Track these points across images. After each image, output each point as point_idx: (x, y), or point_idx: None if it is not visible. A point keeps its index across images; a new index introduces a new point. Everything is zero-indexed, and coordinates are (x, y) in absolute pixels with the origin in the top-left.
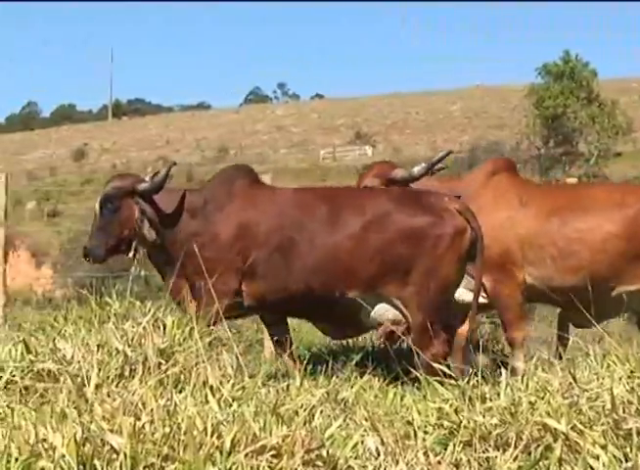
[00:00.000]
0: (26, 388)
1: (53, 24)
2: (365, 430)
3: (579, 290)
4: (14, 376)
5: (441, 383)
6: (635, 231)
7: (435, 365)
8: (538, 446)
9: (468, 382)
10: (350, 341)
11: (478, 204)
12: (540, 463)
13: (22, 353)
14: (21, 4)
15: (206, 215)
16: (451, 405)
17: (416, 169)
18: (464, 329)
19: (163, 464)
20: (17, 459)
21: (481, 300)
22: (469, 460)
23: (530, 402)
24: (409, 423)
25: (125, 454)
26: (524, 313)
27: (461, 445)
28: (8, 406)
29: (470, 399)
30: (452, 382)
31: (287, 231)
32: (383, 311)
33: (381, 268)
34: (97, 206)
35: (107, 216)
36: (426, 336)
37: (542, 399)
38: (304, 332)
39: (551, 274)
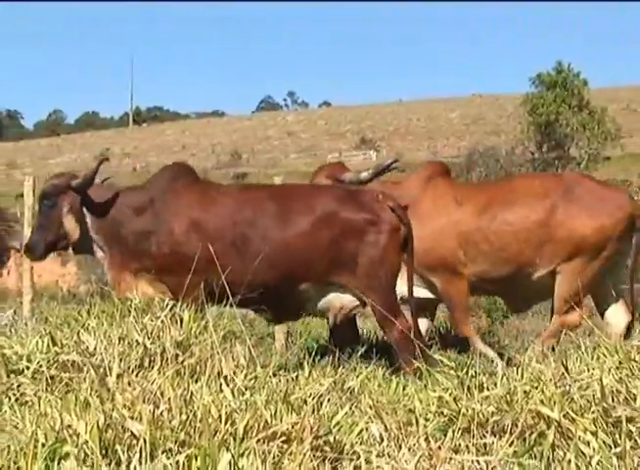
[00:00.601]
0: (52, 377)
1: (78, 35)
2: (370, 417)
3: (509, 278)
4: (40, 366)
5: (441, 373)
6: (551, 218)
7: (437, 357)
8: (532, 432)
9: (466, 372)
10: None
11: (418, 208)
12: (534, 449)
13: (48, 345)
14: (46, 15)
15: (157, 213)
16: (451, 394)
17: (363, 175)
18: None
19: (180, 449)
20: (43, 444)
21: (430, 295)
22: (467, 446)
23: (525, 392)
24: (411, 411)
25: (145, 440)
26: (469, 308)
27: (460, 431)
28: (35, 395)
29: (468, 388)
30: (452, 372)
31: (238, 227)
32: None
33: (327, 261)
34: (37, 204)
35: (45, 213)
36: (389, 315)
37: (536, 388)
38: (313, 325)
39: (486, 267)
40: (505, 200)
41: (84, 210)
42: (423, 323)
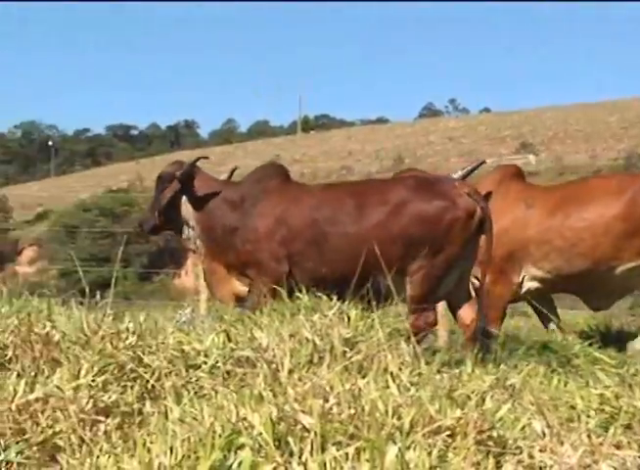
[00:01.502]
0: (228, 372)
1: (250, 47)
2: (532, 413)
3: (587, 274)
4: (217, 362)
5: (602, 370)
6: (631, 212)
7: (597, 355)
8: None
9: (627, 370)
10: (514, 335)
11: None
12: None
13: (223, 342)
14: (218, 26)
15: (247, 211)
16: (612, 392)
17: (455, 176)
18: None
19: (349, 442)
20: (220, 436)
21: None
22: (629, 442)
23: None
24: (572, 407)
25: (315, 433)
26: (504, 310)
27: (621, 428)
28: (212, 389)
29: (630, 386)
30: (612, 370)
31: (321, 223)
32: None
33: (402, 251)
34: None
35: (155, 195)
36: (421, 305)
37: None
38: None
39: (560, 264)
40: (580, 198)
41: (183, 198)
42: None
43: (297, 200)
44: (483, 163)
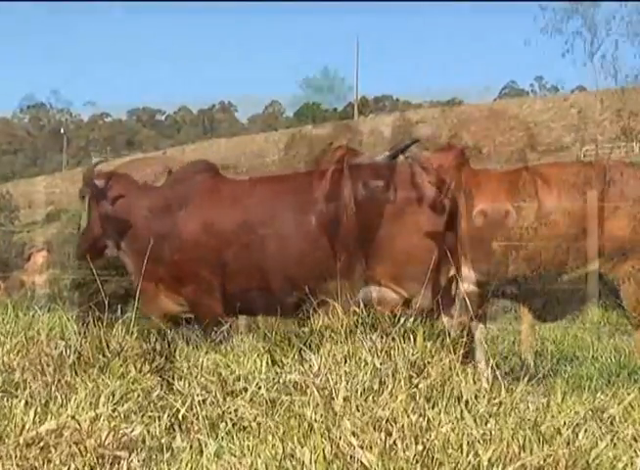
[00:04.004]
0: (273, 401)
1: (297, 18)
2: (635, 450)
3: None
4: (259, 388)
5: None
6: (584, 213)
7: None
8: None
9: None
10: (614, 357)
11: None
12: None
13: (267, 365)
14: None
15: (172, 216)
16: None
17: (378, 158)
18: None
19: None
20: None
21: None
22: None
23: None
24: None
25: None
26: None
27: None
28: (254, 420)
29: None
30: None
31: (253, 225)
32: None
33: (359, 251)
34: None
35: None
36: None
37: None
38: (566, 345)
39: (499, 268)
40: (531, 190)
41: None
42: None
43: (227, 198)
44: (416, 141)
